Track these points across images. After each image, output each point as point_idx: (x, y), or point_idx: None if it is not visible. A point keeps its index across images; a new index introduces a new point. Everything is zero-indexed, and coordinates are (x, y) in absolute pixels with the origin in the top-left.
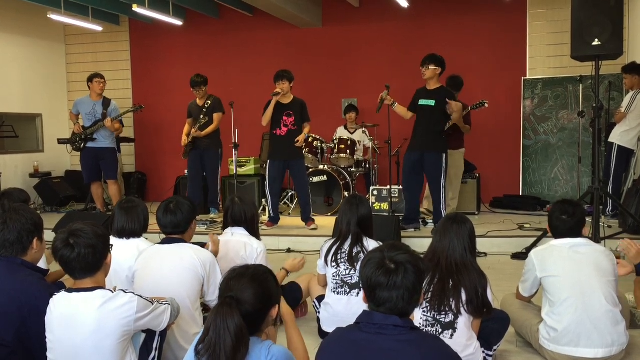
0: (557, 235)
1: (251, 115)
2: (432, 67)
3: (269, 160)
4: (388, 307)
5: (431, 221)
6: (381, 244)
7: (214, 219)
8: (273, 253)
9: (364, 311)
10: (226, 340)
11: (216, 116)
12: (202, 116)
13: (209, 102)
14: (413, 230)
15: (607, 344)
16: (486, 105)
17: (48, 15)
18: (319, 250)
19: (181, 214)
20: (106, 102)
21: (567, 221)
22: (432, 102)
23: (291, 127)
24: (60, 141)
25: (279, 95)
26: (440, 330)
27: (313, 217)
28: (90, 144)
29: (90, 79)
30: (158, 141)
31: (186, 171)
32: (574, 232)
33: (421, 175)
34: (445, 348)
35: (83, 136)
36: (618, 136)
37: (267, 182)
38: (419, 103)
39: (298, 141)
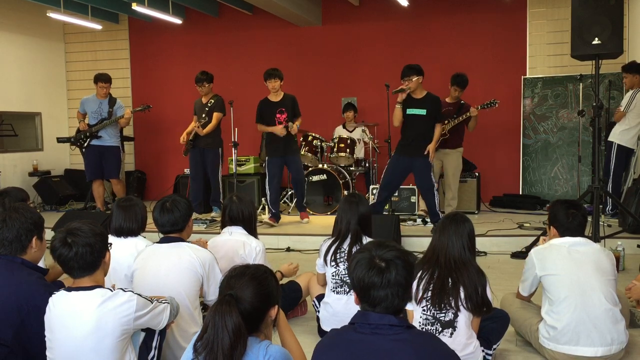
0: (564, 232)
1: (251, 114)
2: (414, 77)
3: (267, 158)
4: (384, 306)
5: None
6: None
7: (214, 218)
8: (273, 252)
9: (359, 311)
10: (224, 338)
11: (215, 115)
12: (203, 115)
13: (212, 100)
14: None
15: (607, 343)
16: (497, 105)
17: (47, 14)
18: (318, 249)
19: (178, 211)
20: (112, 101)
21: (577, 215)
22: (423, 112)
23: (285, 124)
24: (60, 140)
25: (288, 127)
26: (440, 329)
27: (308, 211)
28: (94, 142)
29: (95, 81)
30: (158, 140)
31: (186, 170)
32: (581, 229)
33: (404, 179)
34: (441, 346)
35: (88, 134)
36: (618, 135)
37: (267, 179)
38: (407, 112)
39: (292, 127)
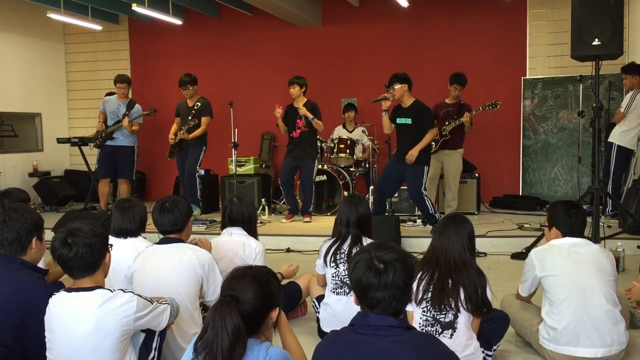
0: (568, 232)
1: (251, 114)
2: (397, 86)
3: (284, 157)
4: (382, 307)
5: None
6: None
7: (213, 219)
8: (272, 253)
9: (359, 312)
10: (223, 338)
11: (204, 120)
12: (190, 117)
13: (199, 104)
14: None
15: (607, 344)
16: (498, 107)
17: (47, 15)
18: (318, 250)
19: (178, 211)
20: (131, 104)
21: (579, 215)
22: (409, 121)
23: (303, 129)
24: (60, 140)
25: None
26: (440, 330)
27: (312, 215)
28: (108, 142)
29: (114, 82)
30: (157, 141)
31: None
32: (583, 229)
33: (397, 183)
34: (441, 347)
35: (104, 134)
36: (618, 136)
37: (280, 177)
38: (397, 121)
39: (301, 108)
